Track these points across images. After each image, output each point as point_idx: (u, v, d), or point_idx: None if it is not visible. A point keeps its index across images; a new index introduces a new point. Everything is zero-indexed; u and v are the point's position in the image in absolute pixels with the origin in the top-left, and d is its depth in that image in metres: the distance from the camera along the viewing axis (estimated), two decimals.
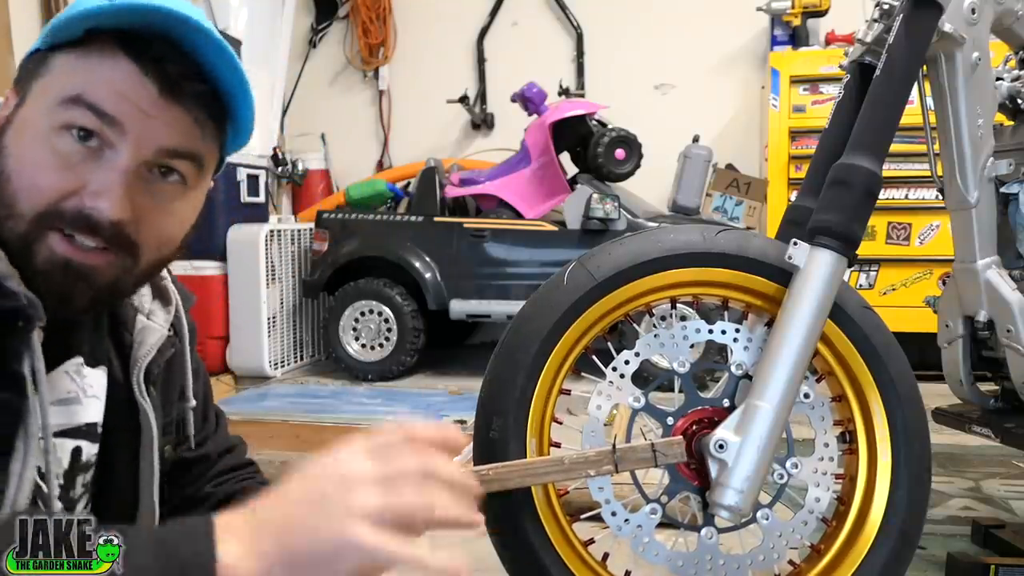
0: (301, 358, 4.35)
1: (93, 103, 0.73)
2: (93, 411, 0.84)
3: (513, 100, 4.24)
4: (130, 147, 0.74)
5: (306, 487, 0.60)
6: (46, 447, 0.72)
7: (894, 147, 1.39)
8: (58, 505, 0.77)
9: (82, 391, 0.83)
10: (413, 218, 4.08)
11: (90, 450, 0.84)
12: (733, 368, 1.34)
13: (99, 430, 0.84)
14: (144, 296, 0.90)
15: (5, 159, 0.74)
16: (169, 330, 0.91)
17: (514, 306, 3.50)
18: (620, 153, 3.96)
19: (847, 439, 1.42)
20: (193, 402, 0.95)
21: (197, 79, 0.77)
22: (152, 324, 0.89)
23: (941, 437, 2.18)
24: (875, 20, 1.46)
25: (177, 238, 0.82)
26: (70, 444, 0.81)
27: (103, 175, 0.73)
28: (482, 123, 5.12)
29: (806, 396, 1.33)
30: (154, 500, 0.88)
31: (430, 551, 0.59)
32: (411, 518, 0.59)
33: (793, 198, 1.61)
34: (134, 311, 0.89)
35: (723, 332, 1.35)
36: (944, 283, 3.23)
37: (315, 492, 0.59)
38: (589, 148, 4.00)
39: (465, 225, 4.01)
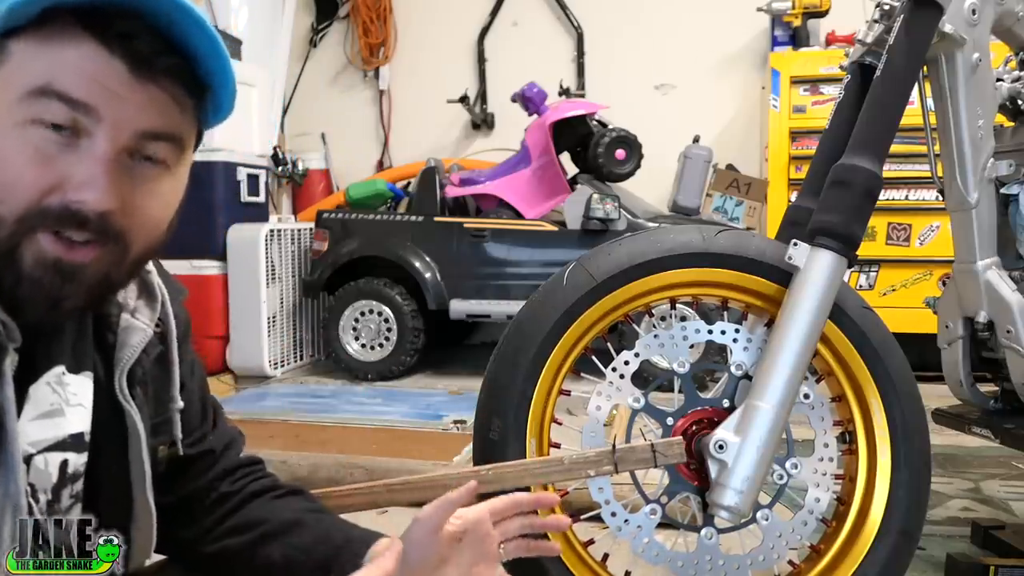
0: (301, 358, 4.35)
1: (62, 91, 0.69)
2: (78, 421, 0.81)
3: (513, 100, 4.24)
4: (107, 133, 0.71)
5: None
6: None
7: (894, 148, 1.39)
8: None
9: (65, 401, 0.80)
10: (413, 218, 4.08)
11: (77, 460, 0.81)
12: (733, 368, 1.34)
13: (86, 439, 0.82)
14: (129, 292, 0.87)
15: None
16: (157, 327, 0.88)
17: (514, 306, 3.50)
18: (620, 153, 3.96)
19: (847, 439, 1.42)
20: (180, 403, 0.91)
21: (168, 53, 0.73)
22: (136, 323, 0.86)
23: (941, 438, 2.18)
24: (875, 21, 1.46)
25: (164, 221, 0.79)
26: (57, 458, 0.78)
27: (84, 166, 0.71)
28: (482, 123, 5.11)
29: (806, 396, 1.33)
30: (149, 503, 0.85)
31: None
32: None
33: (793, 199, 1.61)
34: (119, 309, 0.85)
35: (723, 332, 1.35)
36: (944, 284, 3.23)
37: None
38: (589, 148, 4.00)
39: (465, 225, 4.00)
